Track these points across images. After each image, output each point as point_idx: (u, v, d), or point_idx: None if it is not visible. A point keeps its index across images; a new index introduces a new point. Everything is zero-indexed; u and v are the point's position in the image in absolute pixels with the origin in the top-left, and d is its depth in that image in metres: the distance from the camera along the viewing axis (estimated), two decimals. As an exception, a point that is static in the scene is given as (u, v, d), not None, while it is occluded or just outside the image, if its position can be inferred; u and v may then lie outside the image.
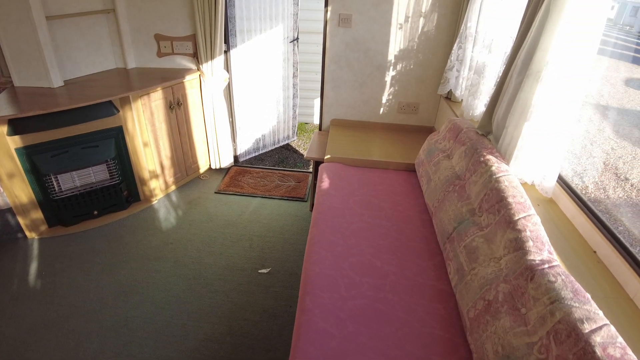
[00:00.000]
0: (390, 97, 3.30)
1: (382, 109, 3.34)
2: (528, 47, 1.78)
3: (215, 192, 3.32)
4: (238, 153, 3.71)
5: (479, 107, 2.56)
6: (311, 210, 3.09)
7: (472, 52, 2.68)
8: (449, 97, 3.09)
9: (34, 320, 2.29)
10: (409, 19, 2.98)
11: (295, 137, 4.30)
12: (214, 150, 3.49)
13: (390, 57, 3.14)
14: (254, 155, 3.91)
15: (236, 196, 3.27)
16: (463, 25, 2.70)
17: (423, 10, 2.94)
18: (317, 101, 4.82)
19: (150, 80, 3.00)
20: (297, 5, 3.68)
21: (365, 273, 1.81)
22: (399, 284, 1.78)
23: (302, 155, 4.10)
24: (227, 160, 3.56)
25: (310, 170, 3.70)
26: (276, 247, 2.73)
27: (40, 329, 2.24)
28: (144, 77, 3.10)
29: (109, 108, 2.73)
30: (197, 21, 3.00)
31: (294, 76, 3.91)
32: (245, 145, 3.75)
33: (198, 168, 3.53)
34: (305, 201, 3.20)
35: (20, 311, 2.36)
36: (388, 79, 3.23)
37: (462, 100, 2.92)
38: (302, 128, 4.78)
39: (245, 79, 3.49)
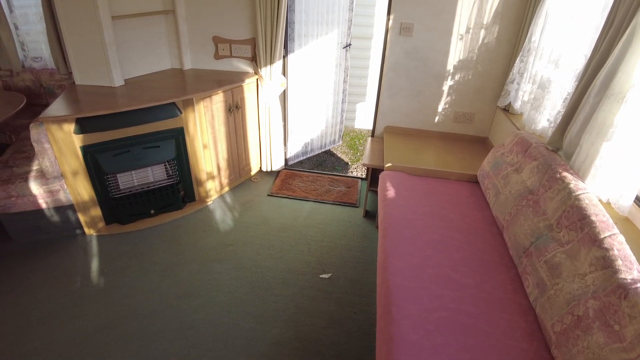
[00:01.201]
0: (447, 106, 3.40)
1: (437, 118, 3.45)
2: (609, 68, 1.87)
3: (268, 195, 3.46)
4: (288, 156, 3.86)
5: (542, 121, 2.65)
6: (364, 217, 3.21)
7: (536, 66, 2.77)
8: (507, 108, 3.18)
9: (97, 320, 2.42)
10: (470, 30, 3.08)
11: (340, 142, 4.44)
12: (266, 153, 3.64)
13: (449, 67, 3.25)
14: (301, 158, 4.05)
15: (289, 200, 3.41)
16: (527, 38, 2.79)
17: (485, 22, 3.04)
18: (360, 106, 4.95)
19: (206, 83, 3.16)
20: (352, 11, 3.81)
21: (445, 285, 1.92)
22: (479, 297, 1.89)
23: (339, 158, 4.23)
24: (278, 164, 3.71)
25: (360, 176, 3.82)
26: (333, 252, 2.85)
27: (104, 330, 2.36)
28: (200, 79, 3.26)
29: (172, 109, 2.89)
30: (259, 25, 3.14)
31: (344, 81, 4.05)
32: (295, 148, 3.89)
33: (250, 170, 3.68)
34: (357, 207, 3.32)
35: (82, 311, 2.50)
36: (445, 88, 3.34)
37: (521, 113, 3.01)
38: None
39: (300, 84, 3.64)
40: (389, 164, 2.83)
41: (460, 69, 3.25)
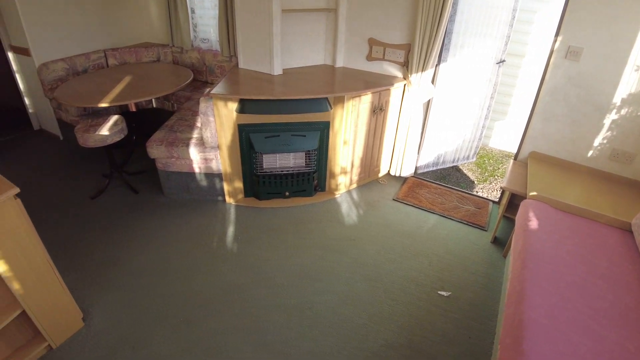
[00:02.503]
0: (604, 141, 3.13)
1: (591, 152, 3.19)
2: None
3: (393, 199, 3.53)
4: (418, 164, 3.88)
5: None
6: (492, 242, 3.12)
7: None
8: (683, 156, 2.83)
9: (228, 280, 2.75)
10: (650, 62, 2.79)
11: (474, 159, 4.33)
12: (398, 158, 3.71)
13: (616, 99, 2.98)
14: (431, 169, 4.04)
15: (414, 208, 3.44)
16: None
17: (672, 55, 2.73)
18: (499, 124, 4.76)
19: (355, 82, 3.31)
20: (512, 27, 3.68)
21: (583, 333, 1.81)
22: (620, 356, 1.75)
23: (465, 175, 4.12)
24: (407, 170, 3.75)
25: (492, 198, 3.70)
26: (455, 271, 2.82)
27: (232, 290, 2.66)
28: (350, 78, 3.42)
29: (324, 104, 3.09)
30: (417, 31, 3.19)
31: (491, 97, 3.93)
32: (427, 158, 3.90)
33: (379, 172, 3.79)
34: (486, 231, 3.23)
35: (216, 268, 2.85)
36: (607, 121, 3.07)
37: None
38: (476, 149, 4.77)
39: (447, 94, 3.62)
40: (534, 193, 2.71)
41: (630, 103, 2.96)
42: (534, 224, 2.45)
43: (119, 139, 3.37)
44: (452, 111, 3.77)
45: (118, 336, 2.36)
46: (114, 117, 3.47)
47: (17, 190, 1.85)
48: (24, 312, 2.11)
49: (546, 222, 2.49)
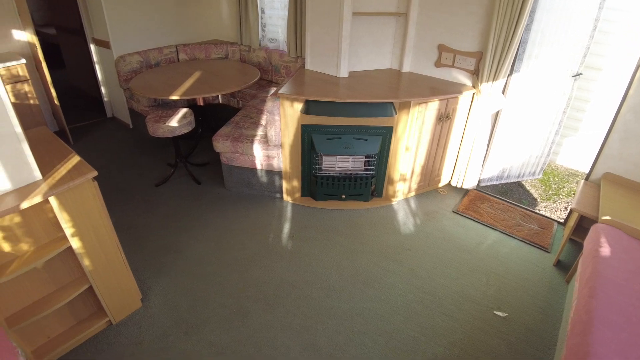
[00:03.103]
0: (693, 167, 2.89)
1: (675, 178, 2.96)
2: None
3: (453, 211, 3.45)
4: (481, 177, 3.77)
5: None
6: (555, 266, 2.97)
7: None
8: None
9: (281, 275, 2.81)
10: None
11: (540, 175, 4.14)
12: (461, 169, 3.62)
13: None
14: (495, 183, 3.91)
15: (474, 222, 3.35)
16: None
17: None
18: (568, 140, 4.52)
19: (421, 88, 3.26)
20: (592, 38, 3.47)
21: (660, 374, 1.68)
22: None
23: (527, 191, 3.93)
24: (470, 182, 3.65)
25: (557, 218, 3.52)
26: (514, 292, 2.71)
27: (285, 287, 2.72)
28: (416, 84, 3.37)
29: (389, 109, 3.07)
30: (490, 39, 3.10)
31: (564, 112, 3.74)
32: (491, 171, 3.78)
33: (439, 181, 3.72)
34: (549, 253, 3.08)
35: (270, 262, 2.92)
36: (697, 145, 2.84)
37: None
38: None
39: (517, 106, 3.49)
40: (607, 217, 2.55)
41: None
42: (605, 250, 2.31)
43: (186, 131, 3.52)
44: (521, 124, 3.63)
45: (173, 320, 2.48)
46: (183, 110, 3.63)
47: (95, 173, 1.99)
48: (90, 288, 2.28)
49: (619, 250, 2.34)
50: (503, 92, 3.36)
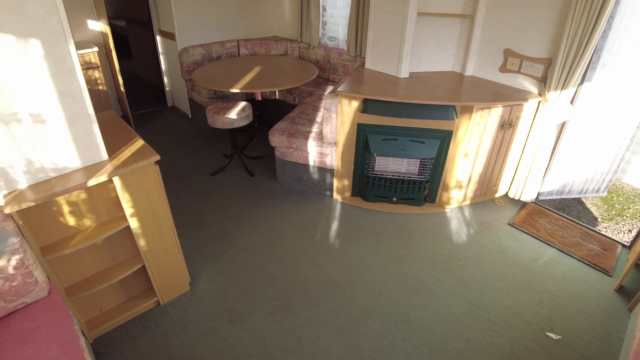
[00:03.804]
0: None
1: None
2: None
3: (509, 224, 3.30)
4: (541, 190, 3.58)
5: None
6: (617, 291, 2.76)
7: None
8: None
9: (328, 275, 2.79)
10: None
11: (604, 193, 3.88)
12: (520, 180, 3.45)
13: None
14: (554, 197, 3.71)
15: (530, 237, 3.18)
16: None
17: None
18: (638, 158, 4.21)
19: (483, 93, 3.13)
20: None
21: None
22: None
23: (588, 209, 3.68)
24: (528, 195, 3.48)
25: (622, 241, 3.28)
26: (568, 315, 2.55)
27: (331, 285, 2.70)
28: (478, 88, 3.25)
29: (450, 112, 2.97)
30: (562, 46, 2.92)
31: (638, 127, 3.48)
32: (552, 184, 3.58)
33: (496, 191, 3.57)
34: (610, 277, 2.87)
35: (316, 260, 2.92)
36: None
37: None
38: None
39: (586, 117, 3.28)
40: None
41: None
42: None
43: (244, 124, 3.58)
44: (589, 137, 3.41)
45: (218, 306, 2.53)
46: (242, 104, 3.68)
47: (157, 157, 2.07)
48: (143, 267, 2.38)
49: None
50: (572, 102, 3.17)
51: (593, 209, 3.78)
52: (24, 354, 1.55)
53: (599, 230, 3.40)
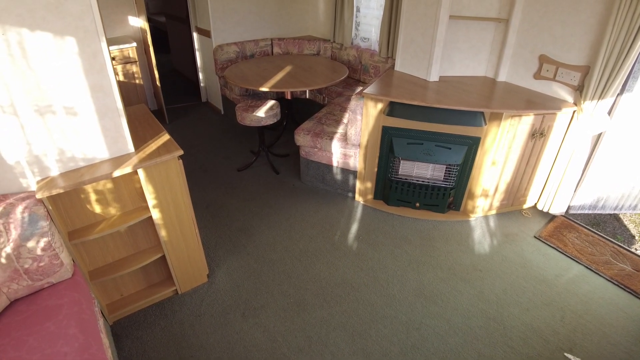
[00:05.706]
0: None
1: None
2: None
3: (535, 237, 3.23)
4: (572, 204, 3.48)
5: None
6: (648, 313, 2.66)
7: None
8: None
9: (343, 276, 2.83)
10: None
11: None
12: (550, 192, 3.37)
13: None
14: (586, 212, 3.59)
15: (557, 252, 3.10)
16: None
17: None
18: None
19: (515, 100, 3.07)
20: None
21: None
22: None
23: (624, 226, 3.52)
24: (558, 208, 3.39)
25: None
26: (591, 337, 2.47)
27: (346, 287, 2.74)
28: (510, 95, 3.19)
29: (478, 118, 2.95)
30: (601, 53, 2.83)
31: (682, 142, 3.33)
32: (584, 198, 3.47)
33: (524, 202, 3.50)
34: (641, 299, 2.77)
35: (334, 260, 2.96)
36: None
37: None
38: None
39: (624, 129, 3.17)
40: None
41: None
42: None
43: (271, 123, 3.67)
44: (627, 150, 3.29)
45: (233, 299, 2.62)
46: (271, 102, 3.77)
47: (180, 152, 2.18)
48: (163, 257, 2.51)
49: None
50: (609, 113, 3.07)
51: (631, 227, 3.63)
52: (46, 329, 1.68)
53: (635, 249, 3.27)
